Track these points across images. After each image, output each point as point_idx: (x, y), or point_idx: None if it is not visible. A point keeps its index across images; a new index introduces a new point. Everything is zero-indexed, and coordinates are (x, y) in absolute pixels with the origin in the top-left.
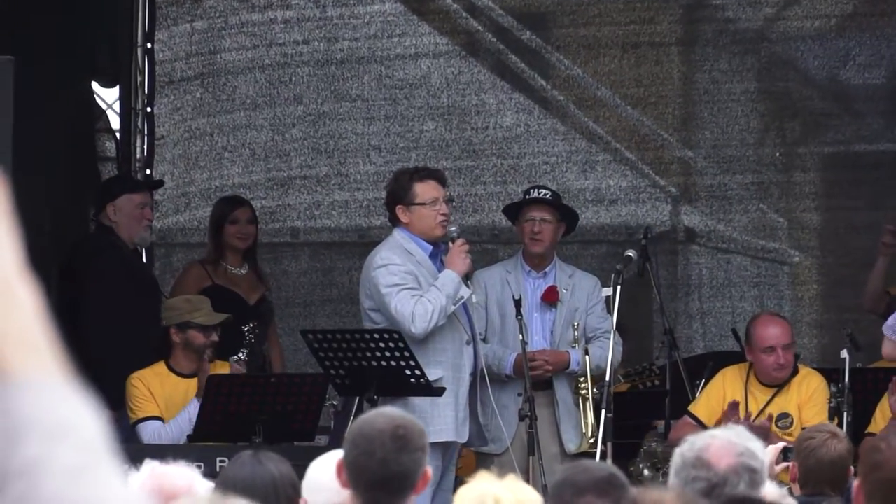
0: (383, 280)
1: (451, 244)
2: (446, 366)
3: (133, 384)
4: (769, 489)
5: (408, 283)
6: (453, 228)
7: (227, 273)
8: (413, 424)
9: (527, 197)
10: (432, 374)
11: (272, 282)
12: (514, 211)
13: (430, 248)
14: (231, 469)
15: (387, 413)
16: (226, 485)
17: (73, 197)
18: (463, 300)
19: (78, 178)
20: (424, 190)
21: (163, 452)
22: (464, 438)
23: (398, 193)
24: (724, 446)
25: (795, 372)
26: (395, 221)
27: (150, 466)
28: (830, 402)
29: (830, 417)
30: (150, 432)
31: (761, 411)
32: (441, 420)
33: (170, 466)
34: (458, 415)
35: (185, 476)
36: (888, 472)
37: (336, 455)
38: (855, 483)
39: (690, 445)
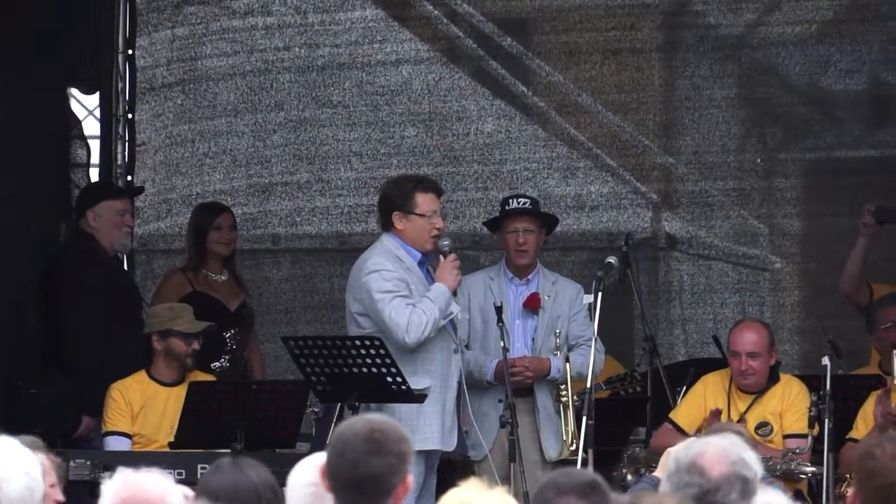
0: (376, 286)
1: (441, 258)
2: (434, 374)
3: (112, 396)
4: (771, 497)
5: (401, 291)
6: (446, 243)
7: (207, 280)
8: (392, 430)
9: (507, 207)
10: (421, 382)
11: (253, 288)
12: (495, 220)
13: (420, 255)
14: (212, 477)
15: (368, 418)
16: (208, 493)
17: (50, 203)
18: (451, 316)
19: (53, 185)
20: (425, 201)
21: (142, 459)
22: (450, 447)
23: (397, 200)
24: (719, 454)
25: (776, 380)
26: (386, 226)
27: (123, 474)
28: (811, 410)
29: (811, 424)
30: (112, 447)
31: (740, 418)
32: (427, 428)
33: (143, 474)
34: (445, 423)
35: (159, 484)
36: (884, 478)
37: (317, 458)
38: (850, 491)
39: (685, 451)
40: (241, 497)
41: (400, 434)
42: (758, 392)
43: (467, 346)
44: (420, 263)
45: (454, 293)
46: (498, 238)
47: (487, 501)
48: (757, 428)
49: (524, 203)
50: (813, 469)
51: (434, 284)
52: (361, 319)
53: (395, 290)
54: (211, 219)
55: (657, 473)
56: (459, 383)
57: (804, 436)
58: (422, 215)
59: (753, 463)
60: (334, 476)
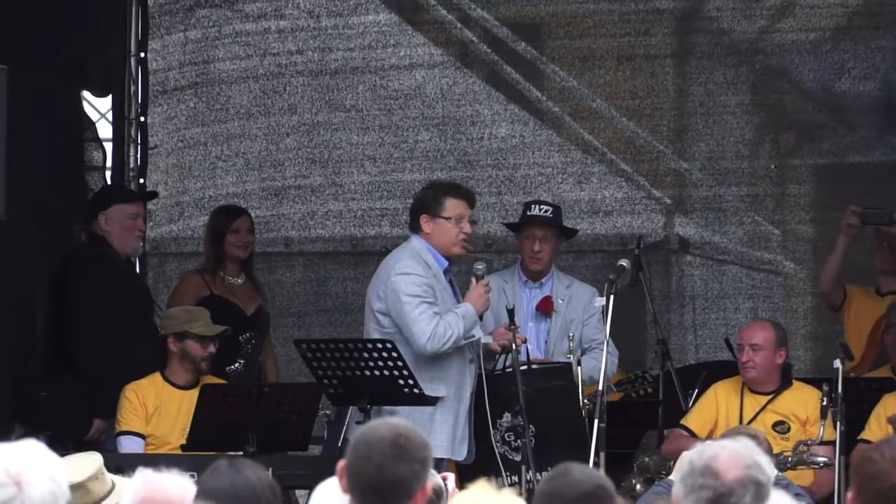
0: (405, 288)
1: (473, 281)
2: (449, 383)
3: (126, 396)
4: (782, 499)
5: (428, 297)
6: (480, 267)
7: (224, 283)
8: (416, 436)
9: (528, 213)
10: (436, 390)
11: (265, 291)
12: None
13: (447, 263)
14: (209, 479)
15: (392, 422)
16: (206, 495)
17: (61, 206)
18: (473, 339)
19: (67, 188)
20: (453, 206)
21: (155, 461)
22: (460, 457)
23: (427, 203)
24: (733, 457)
25: (789, 383)
26: (415, 228)
27: (144, 474)
28: (822, 401)
29: (822, 415)
30: (126, 447)
31: (755, 417)
32: (437, 437)
33: (163, 475)
34: (457, 433)
35: (178, 485)
36: (883, 482)
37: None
38: (849, 495)
39: (700, 453)
40: (239, 498)
41: (423, 440)
42: (769, 393)
43: None
44: (446, 271)
45: (480, 317)
46: (516, 241)
47: (495, 503)
48: (774, 425)
49: (545, 211)
50: (824, 459)
51: (463, 304)
52: (382, 318)
53: (423, 295)
54: (229, 222)
55: (672, 477)
56: (472, 394)
57: (831, 443)
58: (448, 219)
59: (767, 467)
60: (356, 479)
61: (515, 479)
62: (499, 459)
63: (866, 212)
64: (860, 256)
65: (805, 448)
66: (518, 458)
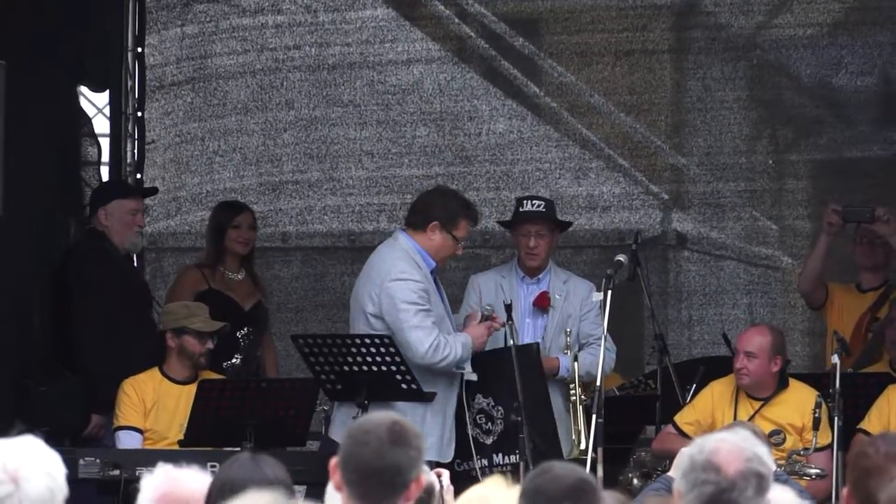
0: (402, 295)
1: (478, 316)
2: (437, 385)
3: (125, 391)
4: (785, 495)
5: (425, 305)
6: (489, 307)
7: (224, 278)
8: (410, 426)
9: (520, 209)
10: None
11: (266, 287)
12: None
13: (434, 264)
14: (228, 468)
15: (383, 413)
16: (222, 485)
17: (59, 202)
18: (460, 371)
19: (65, 184)
20: (464, 228)
21: (151, 457)
22: (447, 458)
23: (442, 215)
24: (734, 451)
25: (785, 385)
26: (416, 226)
27: (164, 469)
28: (815, 413)
29: (815, 426)
30: (125, 442)
31: (750, 419)
32: (427, 439)
33: (183, 470)
34: (445, 434)
35: (198, 480)
36: (878, 478)
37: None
38: (845, 491)
39: (699, 448)
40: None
41: (417, 430)
42: (764, 398)
43: None
44: (432, 271)
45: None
46: (512, 238)
47: (506, 499)
48: (770, 436)
49: (538, 206)
50: (817, 471)
51: (464, 334)
52: (374, 321)
53: (421, 303)
54: (231, 217)
55: (672, 473)
56: (459, 396)
57: (826, 447)
58: (455, 239)
59: (767, 458)
60: (353, 466)
61: (485, 462)
62: (471, 442)
63: (847, 210)
64: (841, 253)
65: (799, 458)
66: (489, 441)
